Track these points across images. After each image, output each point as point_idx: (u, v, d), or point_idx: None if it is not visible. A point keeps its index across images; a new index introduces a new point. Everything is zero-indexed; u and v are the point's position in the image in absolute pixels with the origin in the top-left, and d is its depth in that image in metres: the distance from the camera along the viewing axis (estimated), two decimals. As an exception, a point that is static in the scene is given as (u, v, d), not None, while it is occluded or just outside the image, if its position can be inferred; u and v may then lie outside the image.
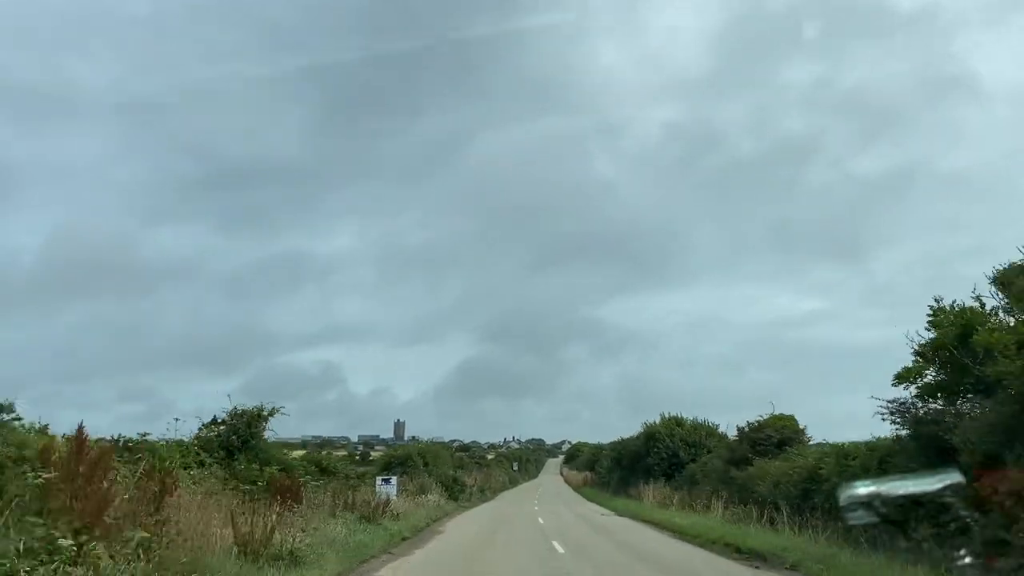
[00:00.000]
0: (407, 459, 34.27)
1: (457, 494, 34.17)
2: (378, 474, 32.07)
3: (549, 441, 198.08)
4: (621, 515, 30.84)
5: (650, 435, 40.66)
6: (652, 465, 39.29)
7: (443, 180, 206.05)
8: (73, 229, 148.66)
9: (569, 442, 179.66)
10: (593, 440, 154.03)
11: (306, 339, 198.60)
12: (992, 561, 7.26)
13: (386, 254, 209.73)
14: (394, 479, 25.68)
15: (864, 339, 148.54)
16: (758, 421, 28.94)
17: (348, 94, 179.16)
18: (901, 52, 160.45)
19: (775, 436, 27.94)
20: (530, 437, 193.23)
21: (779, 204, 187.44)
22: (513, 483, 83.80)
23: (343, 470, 28.65)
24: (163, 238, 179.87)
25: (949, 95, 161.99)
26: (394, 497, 24.73)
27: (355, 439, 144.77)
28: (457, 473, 36.76)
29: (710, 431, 39.29)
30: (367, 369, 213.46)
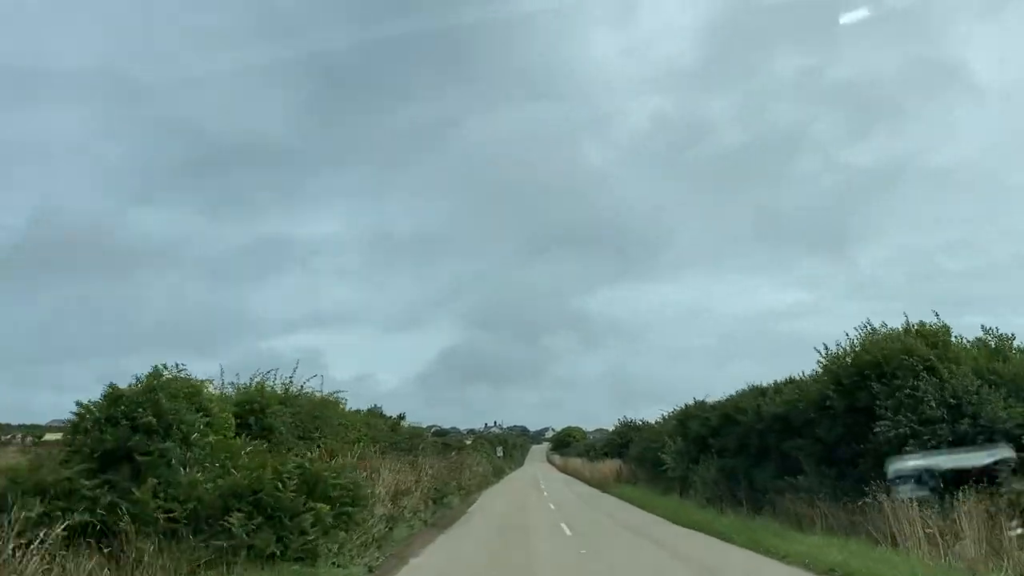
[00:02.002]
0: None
1: (311, 547, 9.47)
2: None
3: (532, 428, 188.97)
4: None
5: (869, 370, 15.85)
6: (881, 445, 14.60)
7: (431, 166, 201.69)
8: (54, 210, 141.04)
9: (553, 429, 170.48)
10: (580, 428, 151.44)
11: (289, 324, 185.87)
12: None
13: (373, 239, 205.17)
14: None
15: (850, 331, 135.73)
16: None
17: (336, 77, 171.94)
18: (892, 44, 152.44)
19: None
20: (512, 424, 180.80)
21: (766, 196, 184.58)
22: (498, 475, 59.12)
23: None
24: (145, 220, 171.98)
25: (938, 89, 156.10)
26: None
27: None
28: (342, 478, 11.23)
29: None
30: (351, 355, 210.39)
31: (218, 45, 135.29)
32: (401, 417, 31.85)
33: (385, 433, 28.93)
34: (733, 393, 26.67)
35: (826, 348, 18.52)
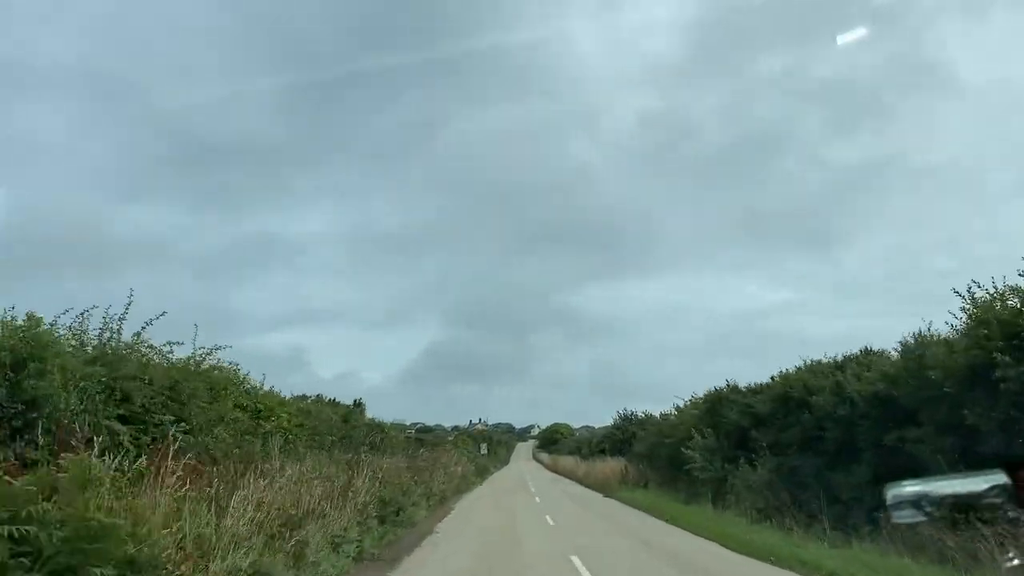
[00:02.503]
0: None
1: None
2: None
3: (517, 426, 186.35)
4: None
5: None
6: None
7: (418, 163, 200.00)
8: (37, 207, 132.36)
9: (538, 426, 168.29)
10: (567, 424, 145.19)
11: (275, 321, 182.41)
12: None
13: (359, 237, 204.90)
14: None
15: (835, 330, 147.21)
16: None
17: (323, 74, 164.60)
18: (878, 43, 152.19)
19: None
20: (497, 421, 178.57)
21: (753, 194, 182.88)
22: (482, 475, 52.79)
23: None
24: (131, 217, 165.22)
25: (923, 88, 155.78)
26: None
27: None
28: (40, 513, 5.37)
29: None
30: (335, 352, 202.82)
31: (205, 43, 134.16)
32: (356, 404, 25.36)
33: (333, 425, 22.51)
34: (785, 371, 20.58)
35: (971, 291, 12.29)
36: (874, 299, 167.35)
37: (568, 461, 64.95)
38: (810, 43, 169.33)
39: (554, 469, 71.95)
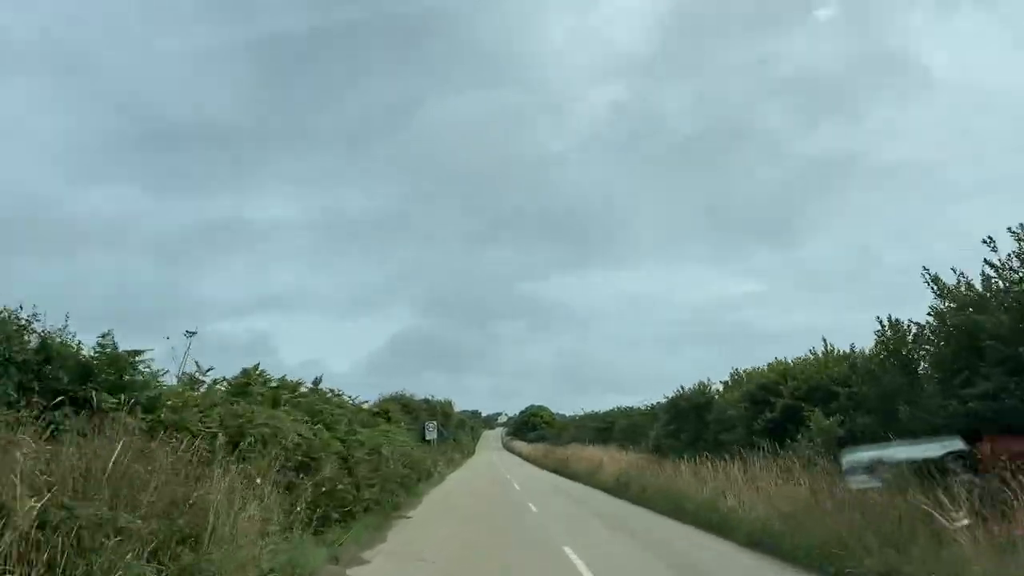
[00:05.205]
0: None
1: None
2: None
3: (484, 413, 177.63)
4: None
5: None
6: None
7: (387, 149, 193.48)
8: None
9: (506, 414, 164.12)
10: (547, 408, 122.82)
11: (239, 307, 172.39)
12: (989, 522, 7.31)
13: (325, 223, 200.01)
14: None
15: (795, 322, 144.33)
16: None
17: (290, 57, 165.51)
18: (848, 37, 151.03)
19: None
20: (463, 408, 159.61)
21: (719, 187, 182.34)
22: (418, 486, 19.95)
23: None
24: (89, 198, 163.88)
25: (890, 83, 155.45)
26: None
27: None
28: None
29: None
30: (300, 340, 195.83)
31: (168, 18, 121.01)
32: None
33: None
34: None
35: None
36: (836, 292, 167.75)
37: (605, 458, 32.22)
38: (779, 35, 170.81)
39: (560, 470, 39.49)
